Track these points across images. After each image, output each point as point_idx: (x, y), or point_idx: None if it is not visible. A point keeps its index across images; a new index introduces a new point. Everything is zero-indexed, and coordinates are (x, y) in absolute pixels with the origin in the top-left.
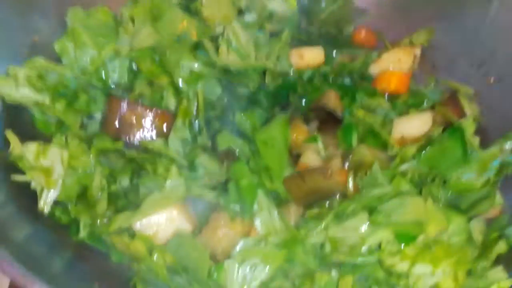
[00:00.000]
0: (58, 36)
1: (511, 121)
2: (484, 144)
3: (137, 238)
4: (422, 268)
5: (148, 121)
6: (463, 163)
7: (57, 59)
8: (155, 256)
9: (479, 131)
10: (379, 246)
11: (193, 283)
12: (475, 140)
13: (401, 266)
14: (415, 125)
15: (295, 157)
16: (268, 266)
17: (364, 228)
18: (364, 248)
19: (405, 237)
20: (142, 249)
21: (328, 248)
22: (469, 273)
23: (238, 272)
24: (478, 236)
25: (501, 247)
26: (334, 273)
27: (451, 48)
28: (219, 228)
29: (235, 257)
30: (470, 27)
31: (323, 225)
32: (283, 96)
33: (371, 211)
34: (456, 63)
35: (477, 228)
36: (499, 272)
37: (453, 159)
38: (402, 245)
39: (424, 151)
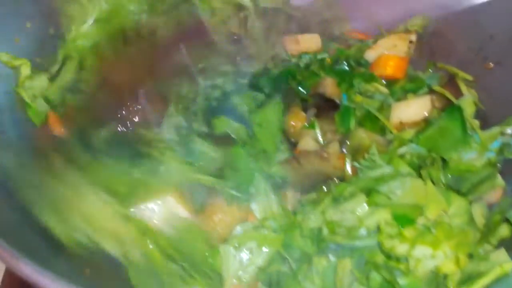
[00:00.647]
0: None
1: (511, 106)
2: (485, 130)
3: (131, 224)
4: (422, 251)
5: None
6: (463, 143)
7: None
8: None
9: (478, 117)
10: (378, 229)
11: (188, 269)
12: (475, 123)
13: (401, 248)
14: (413, 109)
15: (293, 145)
16: (265, 251)
17: (361, 209)
18: (362, 231)
19: (404, 219)
20: (136, 234)
21: (325, 231)
22: (471, 256)
23: (234, 257)
24: (480, 219)
25: (504, 231)
26: (332, 257)
27: (449, 34)
28: (215, 214)
29: (231, 241)
30: (468, 12)
31: (320, 209)
32: (283, 82)
33: (369, 192)
34: (454, 48)
35: (478, 211)
36: (501, 254)
37: (452, 139)
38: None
39: (422, 132)
